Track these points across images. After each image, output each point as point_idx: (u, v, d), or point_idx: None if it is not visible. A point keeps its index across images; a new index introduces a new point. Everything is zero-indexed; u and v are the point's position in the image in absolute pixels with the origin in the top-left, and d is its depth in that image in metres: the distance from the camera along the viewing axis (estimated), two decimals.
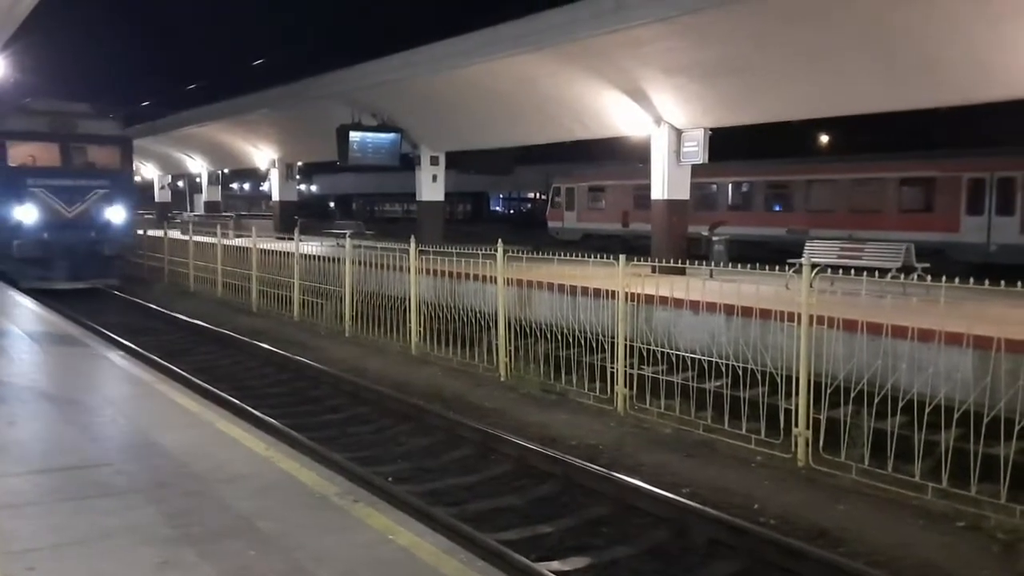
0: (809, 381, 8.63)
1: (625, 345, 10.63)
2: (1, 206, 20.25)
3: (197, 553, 4.40)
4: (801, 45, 14.04)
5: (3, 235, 19.86)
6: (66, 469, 5.74)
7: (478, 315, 13.15)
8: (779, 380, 9.02)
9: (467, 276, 13.56)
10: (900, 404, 8.31)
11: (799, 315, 8.74)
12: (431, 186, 24.88)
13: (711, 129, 17.61)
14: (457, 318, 13.45)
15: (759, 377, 9.43)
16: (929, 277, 8.90)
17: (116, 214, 21.34)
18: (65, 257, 20.39)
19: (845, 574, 6.14)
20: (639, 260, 11.44)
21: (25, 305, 14.86)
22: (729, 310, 10.88)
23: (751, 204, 30.03)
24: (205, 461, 5.97)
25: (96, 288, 21.32)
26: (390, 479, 7.98)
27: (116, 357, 10.00)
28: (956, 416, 8.02)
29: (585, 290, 12.11)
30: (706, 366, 10.07)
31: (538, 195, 64.36)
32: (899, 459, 7.98)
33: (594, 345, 11.32)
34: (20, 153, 20.88)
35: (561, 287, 12.29)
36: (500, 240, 12.87)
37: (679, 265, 11.88)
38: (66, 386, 8.33)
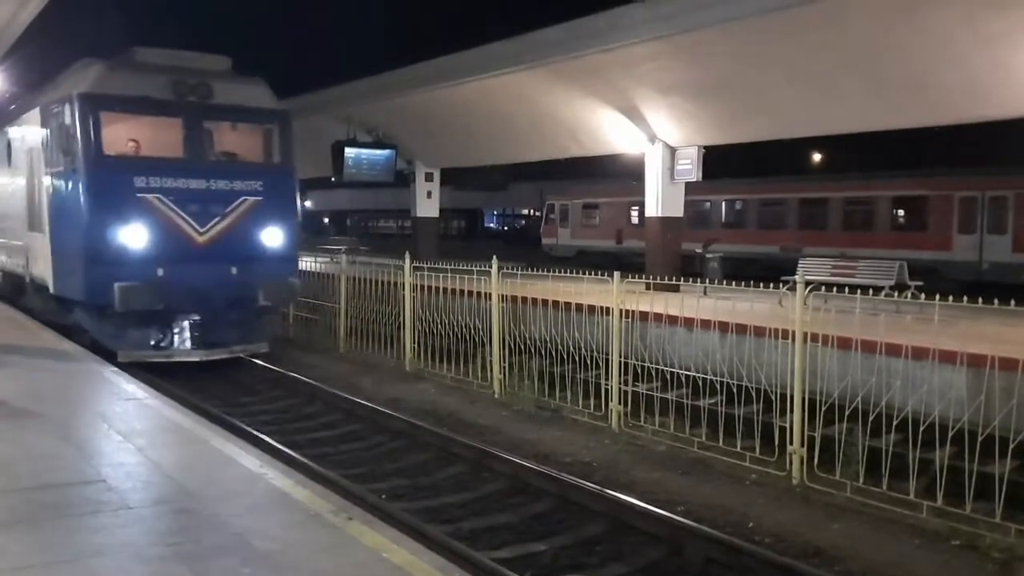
0: (803, 399, 8.63)
1: (620, 362, 10.63)
2: (91, 225, 11.92)
3: (190, 571, 4.37)
4: (794, 64, 14.14)
5: (93, 273, 11.81)
6: (59, 486, 5.70)
7: (472, 331, 13.14)
8: (774, 398, 9.02)
9: (461, 292, 13.56)
10: (895, 422, 8.32)
11: (793, 332, 8.76)
12: (426, 202, 24.95)
13: (705, 147, 17.71)
14: (451, 334, 13.44)
15: (753, 394, 9.43)
16: (923, 295, 8.93)
17: (273, 237, 13.04)
18: (195, 309, 12.46)
19: None
20: (633, 277, 11.44)
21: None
22: (723, 327, 10.90)
23: (744, 222, 30.15)
24: (198, 478, 5.94)
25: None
26: (384, 496, 7.94)
27: (108, 372, 9.96)
28: (950, 434, 8.03)
29: (580, 307, 12.13)
30: (700, 383, 10.08)
31: (532, 212, 64.48)
32: (894, 477, 7.97)
33: (588, 362, 11.31)
34: (121, 135, 13.10)
35: (556, 304, 12.29)
36: (495, 257, 12.89)
37: (673, 282, 11.89)
38: (58, 401, 8.28)
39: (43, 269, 13.56)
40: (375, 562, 4.56)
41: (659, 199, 18.24)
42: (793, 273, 14.58)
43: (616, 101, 17.32)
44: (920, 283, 14.80)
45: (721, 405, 9.56)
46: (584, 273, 12.74)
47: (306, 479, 6.08)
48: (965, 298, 8.16)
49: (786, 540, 7.22)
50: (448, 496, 8.24)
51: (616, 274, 10.92)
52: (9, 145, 16.60)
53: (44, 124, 13.30)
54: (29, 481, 5.83)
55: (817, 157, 48.40)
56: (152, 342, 12.38)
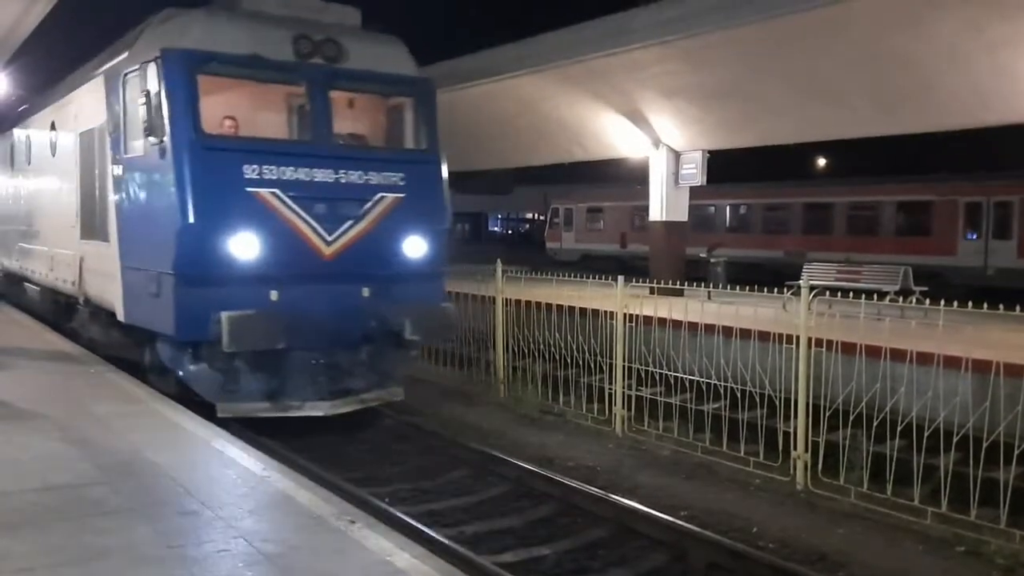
0: (808, 404, 8.62)
1: (624, 366, 10.61)
2: (187, 231, 8.65)
3: (192, 574, 4.37)
4: (799, 69, 14.14)
5: (188, 298, 8.65)
6: (62, 488, 5.70)
7: (476, 335, 13.12)
8: (778, 403, 9.01)
9: (465, 296, 13.55)
10: (899, 427, 8.30)
11: (797, 337, 8.74)
12: None
13: (709, 151, 17.71)
14: (456, 338, 13.43)
15: (757, 399, 9.41)
16: (927, 300, 8.91)
17: (418, 247, 9.76)
18: (320, 346, 9.20)
19: None
20: (637, 281, 11.43)
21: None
22: (727, 332, 10.88)
23: (749, 226, 30.12)
24: (202, 480, 5.93)
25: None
26: (387, 500, 7.93)
27: (111, 374, 9.96)
28: (955, 440, 8.01)
29: (584, 311, 12.11)
30: (704, 388, 10.05)
31: (536, 216, 64.51)
32: (898, 483, 7.95)
33: (592, 366, 11.30)
34: (222, 107, 9.85)
35: (560, 307, 12.29)
36: (499, 260, 12.89)
37: (677, 286, 11.88)
38: (59, 403, 8.29)
39: (106, 289, 10.21)
40: (378, 566, 4.55)
41: (663, 203, 18.25)
42: (798, 278, 14.58)
43: (621, 105, 17.33)
44: (925, 288, 14.77)
45: (725, 410, 9.54)
46: (588, 277, 12.73)
47: (309, 482, 6.08)
48: (970, 303, 8.14)
49: (790, 546, 7.19)
50: (451, 500, 8.22)
51: (620, 278, 10.91)
52: (18, 144, 15.64)
53: (112, 97, 9.96)
54: (33, 483, 5.83)
55: (822, 162, 48.36)
56: (261, 391, 9.03)
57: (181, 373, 9.11)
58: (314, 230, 8.97)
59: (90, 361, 10.84)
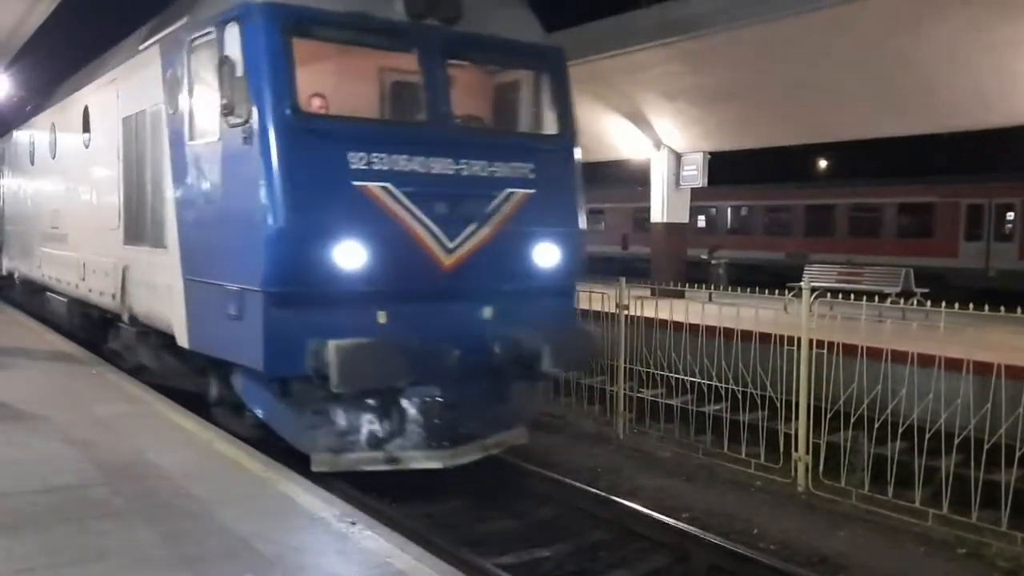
0: (809, 406, 8.61)
1: (625, 368, 10.61)
2: (280, 237, 6.88)
3: (194, 575, 4.37)
4: (801, 71, 14.14)
5: (279, 322, 6.90)
6: (62, 489, 5.70)
7: None
8: (779, 404, 9.00)
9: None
10: (900, 429, 8.29)
11: (799, 339, 8.74)
12: None
13: (710, 153, 17.71)
14: None
15: (758, 401, 9.41)
16: (929, 302, 8.91)
17: (551, 256, 8.05)
18: (439, 381, 7.38)
19: None
20: (638, 283, 11.43)
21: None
22: (728, 334, 10.87)
23: (750, 228, 30.12)
24: (203, 482, 5.93)
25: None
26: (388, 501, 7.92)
27: (112, 375, 9.96)
28: (956, 442, 8.00)
29: (585, 312, 12.11)
30: (706, 390, 10.05)
31: None
32: (899, 485, 7.95)
33: (593, 368, 11.30)
34: (310, 81, 7.60)
35: None
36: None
37: (678, 288, 11.87)
38: (60, 403, 8.29)
39: (160, 306, 8.51)
40: (379, 567, 4.55)
41: (664, 205, 18.26)
42: (799, 280, 14.58)
43: (622, 107, 17.35)
44: (926, 290, 14.76)
45: (726, 411, 9.54)
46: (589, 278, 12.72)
47: (312, 484, 6.08)
48: (971, 305, 8.13)
49: (791, 547, 7.19)
50: (451, 501, 8.21)
51: (622, 280, 10.91)
52: (38, 138, 14.32)
53: (171, 71, 8.20)
54: (34, 484, 5.83)
55: (823, 164, 48.35)
56: (366, 436, 7.28)
57: (262, 414, 7.37)
58: (433, 235, 7.16)
59: (91, 362, 10.84)
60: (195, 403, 8.44)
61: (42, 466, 6.21)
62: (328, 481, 6.48)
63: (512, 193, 7.66)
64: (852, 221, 26.71)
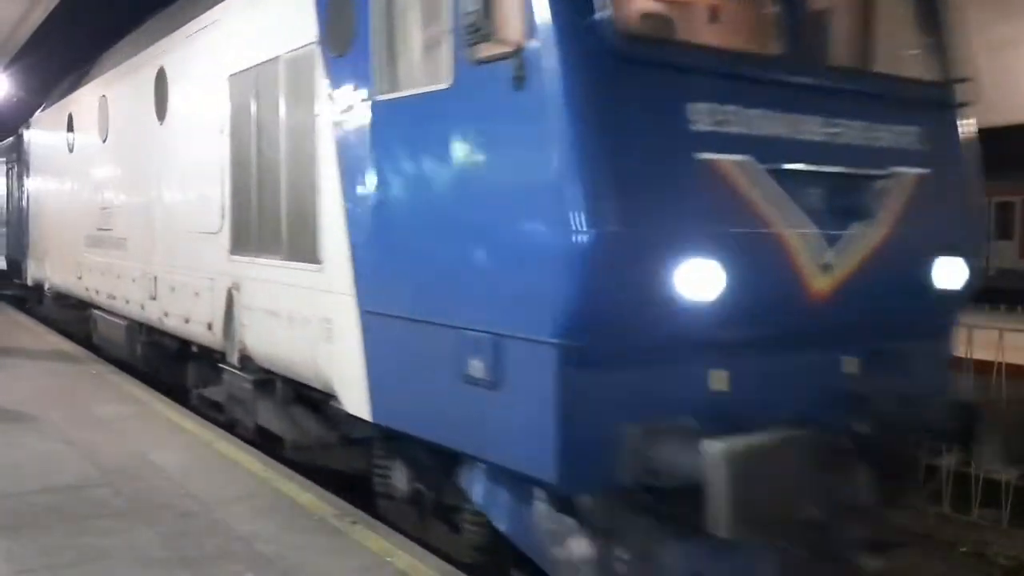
0: None
1: None
2: (589, 247, 3.78)
3: (194, 575, 4.36)
4: None
5: (587, 400, 3.90)
6: (63, 489, 5.70)
7: None
8: None
9: None
10: None
11: None
12: None
13: None
14: None
15: None
16: None
17: (941, 273, 4.88)
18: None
19: None
20: None
21: None
22: None
23: None
24: (203, 482, 5.93)
25: None
26: None
27: (113, 375, 9.96)
28: None
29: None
30: None
31: None
32: None
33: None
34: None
35: None
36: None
37: None
38: (60, 404, 8.29)
39: (310, 350, 5.88)
40: (379, 566, 4.55)
41: None
42: None
43: None
44: None
45: None
46: None
47: (310, 483, 6.07)
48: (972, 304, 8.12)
49: None
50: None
51: None
52: (80, 118, 12.09)
53: None
54: (35, 484, 5.83)
55: None
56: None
57: (523, 542, 4.55)
58: (806, 242, 4.39)
59: (91, 362, 10.84)
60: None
61: (42, 466, 6.22)
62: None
63: (900, 174, 4.78)
64: None
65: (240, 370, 6.95)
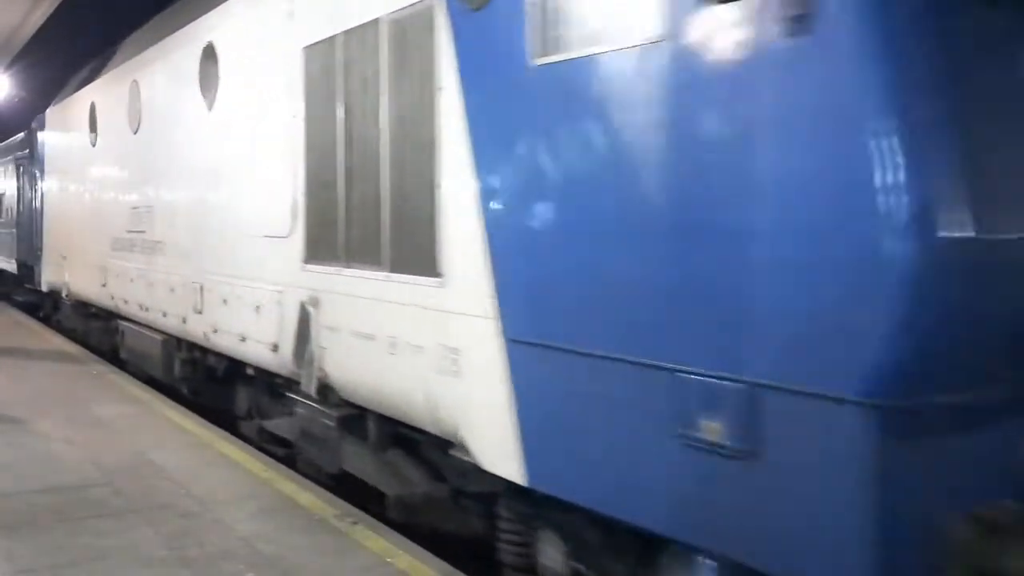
0: None
1: None
2: (945, 261, 2.56)
3: (194, 575, 4.37)
4: None
5: (914, 479, 2.70)
6: (63, 489, 5.70)
7: None
8: None
9: None
10: None
11: None
12: None
13: None
14: None
15: None
16: None
17: None
18: None
19: None
20: None
21: None
22: None
23: None
24: (204, 482, 5.93)
25: None
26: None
27: (113, 375, 9.96)
28: None
29: None
30: None
31: None
32: None
33: None
34: None
35: None
36: None
37: None
38: (61, 403, 8.29)
39: (425, 386, 4.65)
40: (379, 567, 4.54)
41: None
42: None
43: None
44: None
45: None
46: None
47: (311, 484, 6.08)
48: None
49: None
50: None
51: None
52: (107, 104, 10.69)
53: None
54: (35, 484, 5.83)
55: None
56: None
57: None
58: None
59: (92, 362, 10.85)
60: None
61: (43, 466, 6.22)
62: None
63: None
64: None
65: (318, 402, 5.68)
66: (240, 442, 7.13)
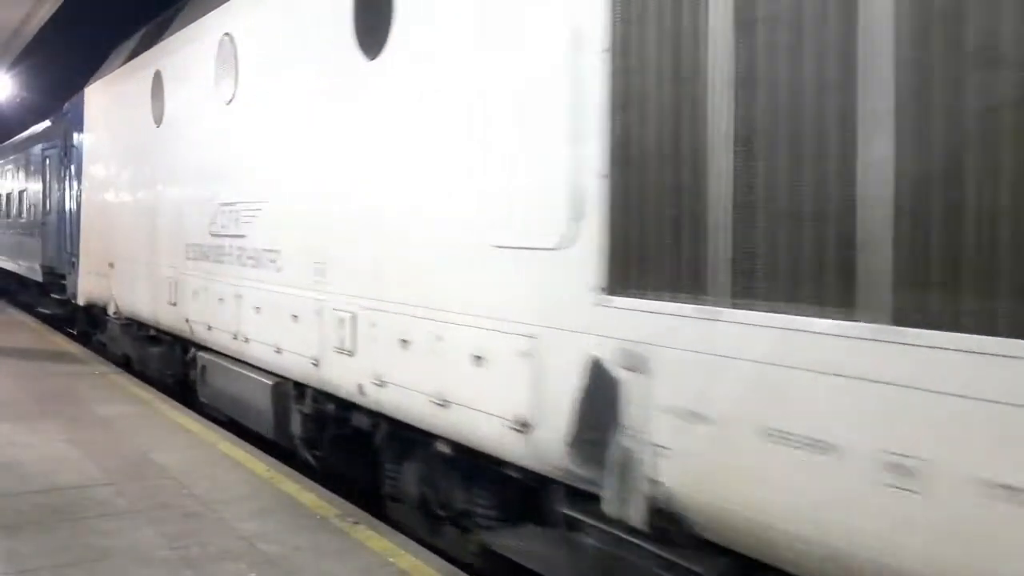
0: None
1: None
2: None
3: (196, 575, 4.37)
4: None
5: None
6: (66, 489, 5.71)
7: None
8: None
9: None
10: None
11: None
12: None
13: None
14: None
15: None
16: None
17: None
18: None
19: None
20: None
21: None
22: None
23: None
24: (206, 482, 5.94)
25: None
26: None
27: (116, 375, 9.96)
28: None
29: None
30: None
31: None
32: None
33: None
34: None
35: None
36: None
37: None
38: (64, 404, 8.30)
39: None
40: (381, 567, 4.54)
41: None
42: None
43: None
44: None
45: None
46: None
47: (313, 484, 6.08)
48: None
49: None
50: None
51: None
52: (176, 77, 8.39)
53: None
54: (38, 484, 5.84)
55: None
56: None
57: None
58: None
59: (94, 362, 10.86)
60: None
61: (45, 466, 6.22)
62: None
63: None
64: None
65: (628, 530, 3.40)
66: (242, 442, 7.12)
